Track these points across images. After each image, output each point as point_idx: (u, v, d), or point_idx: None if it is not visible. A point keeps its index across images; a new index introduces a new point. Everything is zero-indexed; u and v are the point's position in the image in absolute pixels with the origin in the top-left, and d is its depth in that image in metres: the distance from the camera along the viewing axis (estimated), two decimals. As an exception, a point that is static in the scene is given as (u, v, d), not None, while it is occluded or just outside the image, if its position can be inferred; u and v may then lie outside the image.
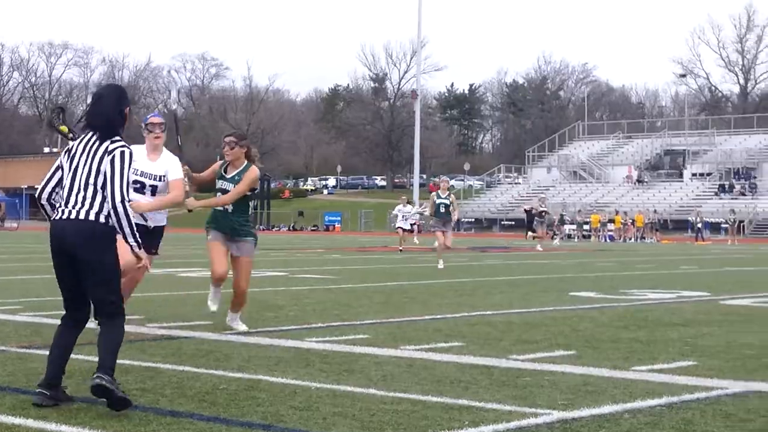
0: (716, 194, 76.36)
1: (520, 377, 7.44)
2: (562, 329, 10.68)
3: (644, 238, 62.95)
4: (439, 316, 11.81)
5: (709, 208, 69.81)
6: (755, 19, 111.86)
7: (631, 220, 63.78)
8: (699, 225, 62.16)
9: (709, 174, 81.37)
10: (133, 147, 9.54)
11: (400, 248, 34.78)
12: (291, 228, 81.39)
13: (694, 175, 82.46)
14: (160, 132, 9.76)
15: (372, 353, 8.53)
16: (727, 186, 76.98)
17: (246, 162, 9.95)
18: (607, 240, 60.91)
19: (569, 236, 61.73)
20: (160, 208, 9.75)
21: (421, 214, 48.22)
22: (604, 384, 7.19)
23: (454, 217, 24.01)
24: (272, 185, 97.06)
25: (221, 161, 10.06)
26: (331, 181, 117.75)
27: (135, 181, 9.38)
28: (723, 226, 64.63)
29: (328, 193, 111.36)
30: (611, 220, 63.75)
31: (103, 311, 6.20)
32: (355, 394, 6.67)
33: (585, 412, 6.17)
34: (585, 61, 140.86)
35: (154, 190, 9.69)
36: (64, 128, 9.16)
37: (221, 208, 9.93)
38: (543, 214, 42.94)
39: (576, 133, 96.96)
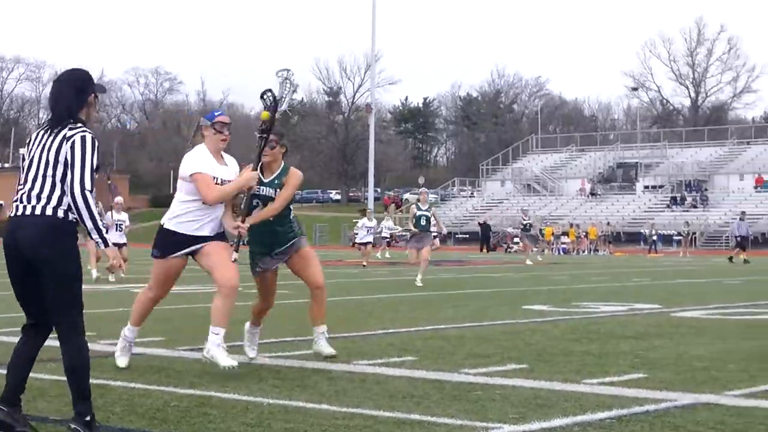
0: (668, 206, 77.07)
1: (472, 391, 7.47)
2: (515, 343, 10.74)
3: (597, 250, 63.42)
4: (392, 331, 11.83)
5: (661, 221, 70.44)
6: (705, 33, 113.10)
7: (584, 233, 64.22)
8: (654, 237, 62.72)
9: (661, 186, 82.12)
10: (193, 150, 8.51)
11: (364, 263, 34.64)
12: (245, 242, 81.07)
13: (646, 187, 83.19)
14: (229, 133, 8.61)
15: (325, 368, 8.54)
16: (678, 198, 77.69)
17: (283, 163, 8.90)
18: (561, 253, 61.26)
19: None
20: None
21: (388, 228, 48.25)
22: (555, 397, 7.24)
23: (438, 228, 24.12)
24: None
25: (250, 165, 8.78)
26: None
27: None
28: (675, 238, 65.26)
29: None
30: (565, 233, 64.15)
31: (62, 326, 5.68)
32: (307, 409, 6.67)
33: (535, 426, 6.22)
34: (538, 75, 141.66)
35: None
36: (266, 114, 8.59)
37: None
38: (528, 226, 42.99)
39: (529, 146, 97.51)
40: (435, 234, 24.98)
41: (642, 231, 68.25)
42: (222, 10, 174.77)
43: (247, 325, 9.41)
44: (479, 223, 67.65)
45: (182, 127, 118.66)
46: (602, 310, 15.41)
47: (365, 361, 8.97)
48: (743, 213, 49.61)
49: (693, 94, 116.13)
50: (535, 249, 44.64)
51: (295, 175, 8.91)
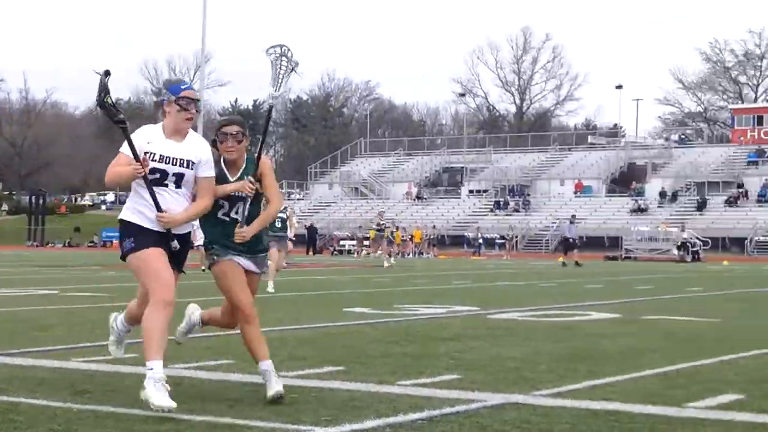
0: (492, 210, 78.68)
1: (287, 394, 7.48)
2: (334, 345, 10.80)
3: (422, 253, 64.22)
4: (211, 334, 11.69)
5: (485, 224, 71.93)
6: (531, 41, 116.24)
7: (409, 236, 65.01)
8: (480, 240, 63.97)
9: (485, 191, 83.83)
10: (143, 128, 7.26)
11: (203, 267, 33.48)
12: (66, 244, 79.51)
13: (471, 191, 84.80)
14: (196, 111, 7.25)
15: (140, 373, 8.37)
16: (502, 203, 79.42)
17: (246, 155, 7.58)
18: (388, 255, 61.82)
19: (349, 252, 62.37)
20: (193, 219, 7.42)
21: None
22: (369, 399, 7.31)
23: (291, 233, 23.71)
24: (48, 200, 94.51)
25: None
26: (110, 197, 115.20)
27: (153, 170, 7.06)
28: (498, 241, 66.71)
29: (107, 209, 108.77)
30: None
31: None
32: (118, 414, 6.58)
33: (347, 428, 6.26)
34: (368, 79, 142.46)
35: (179, 181, 7.18)
36: (109, 100, 7.13)
37: (227, 218, 7.46)
38: (383, 227, 43.23)
39: (358, 150, 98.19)
40: (290, 238, 24.81)
41: (466, 234, 69.50)
42: (48, 6, 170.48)
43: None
44: (306, 226, 67.77)
45: (3, 125, 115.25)
46: (422, 312, 15.62)
47: (181, 365, 8.89)
48: (573, 216, 51.07)
49: (518, 101, 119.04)
50: (390, 251, 44.70)
51: (266, 162, 7.64)
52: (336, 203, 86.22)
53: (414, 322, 13.86)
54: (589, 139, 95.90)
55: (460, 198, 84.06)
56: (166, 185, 7.11)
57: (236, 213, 7.46)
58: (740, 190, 73.32)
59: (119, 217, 7.25)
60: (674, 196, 75.15)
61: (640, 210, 73.24)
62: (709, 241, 62.17)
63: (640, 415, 6.82)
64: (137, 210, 7.16)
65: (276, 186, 7.70)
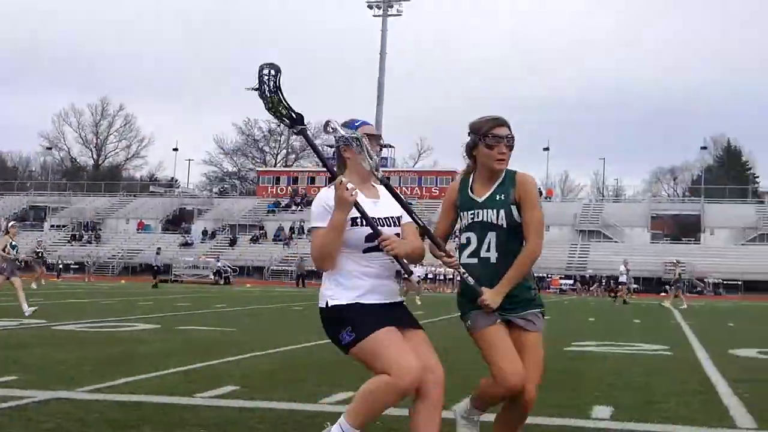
0: (69, 242, 75.70)
1: None
2: None
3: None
4: None
5: (64, 252, 68.88)
6: (108, 109, 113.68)
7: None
8: (60, 266, 61.10)
9: (65, 226, 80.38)
10: (325, 191, 4.47)
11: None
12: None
13: (53, 226, 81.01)
14: (378, 151, 4.61)
15: None
16: (78, 235, 76.55)
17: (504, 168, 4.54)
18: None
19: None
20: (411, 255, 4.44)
21: None
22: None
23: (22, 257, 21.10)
24: None
25: (459, 175, 4.65)
26: None
27: (371, 238, 4.36)
28: (72, 267, 64.05)
29: None
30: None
31: None
32: None
33: None
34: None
35: None
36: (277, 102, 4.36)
37: (473, 260, 4.47)
38: (40, 254, 40.71)
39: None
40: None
41: (49, 261, 65.97)
42: None
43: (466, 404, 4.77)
44: None
45: None
46: (-3, 324, 14.63)
47: None
48: (159, 248, 49.78)
49: (96, 156, 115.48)
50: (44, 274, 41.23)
51: (532, 183, 4.47)
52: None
53: (-12, 333, 12.94)
54: (151, 188, 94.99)
55: (43, 231, 79.83)
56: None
57: (488, 249, 4.46)
58: (261, 231, 75.52)
59: (329, 305, 4.42)
60: (213, 234, 76.02)
61: (187, 244, 73.28)
62: (238, 269, 63.45)
63: (168, 405, 6.81)
64: (347, 284, 4.43)
65: (541, 217, 4.36)
